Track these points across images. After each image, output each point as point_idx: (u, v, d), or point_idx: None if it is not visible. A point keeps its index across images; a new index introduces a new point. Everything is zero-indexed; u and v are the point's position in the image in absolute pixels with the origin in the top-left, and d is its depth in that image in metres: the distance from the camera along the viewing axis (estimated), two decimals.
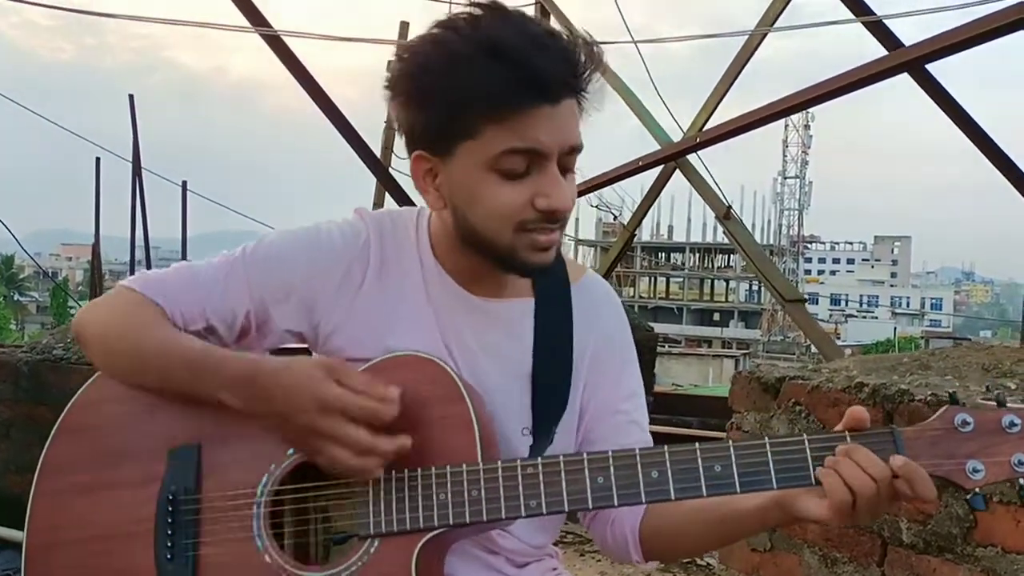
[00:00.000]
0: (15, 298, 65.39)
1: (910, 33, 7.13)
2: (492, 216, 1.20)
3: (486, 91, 1.14)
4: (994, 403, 1.11)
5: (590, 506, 1.15)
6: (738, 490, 1.12)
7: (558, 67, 1.15)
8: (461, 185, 1.21)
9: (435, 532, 1.16)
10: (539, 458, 1.17)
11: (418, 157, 1.23)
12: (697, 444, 1.14)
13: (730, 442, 1.13)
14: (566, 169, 1.21)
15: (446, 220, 1.27)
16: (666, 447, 1.15)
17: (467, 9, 1.19)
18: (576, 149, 1.21)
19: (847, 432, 1.12)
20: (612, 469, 1.14)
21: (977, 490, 1.09)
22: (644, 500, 1.14)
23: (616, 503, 1.14)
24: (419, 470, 1.17)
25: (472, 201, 1.20)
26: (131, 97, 8.98)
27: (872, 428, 1.12)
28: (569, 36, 1.19)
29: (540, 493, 1.15)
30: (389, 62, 1.25)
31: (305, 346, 1.37)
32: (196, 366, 1.22)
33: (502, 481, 1.15)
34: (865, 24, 7.40)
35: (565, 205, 1.20)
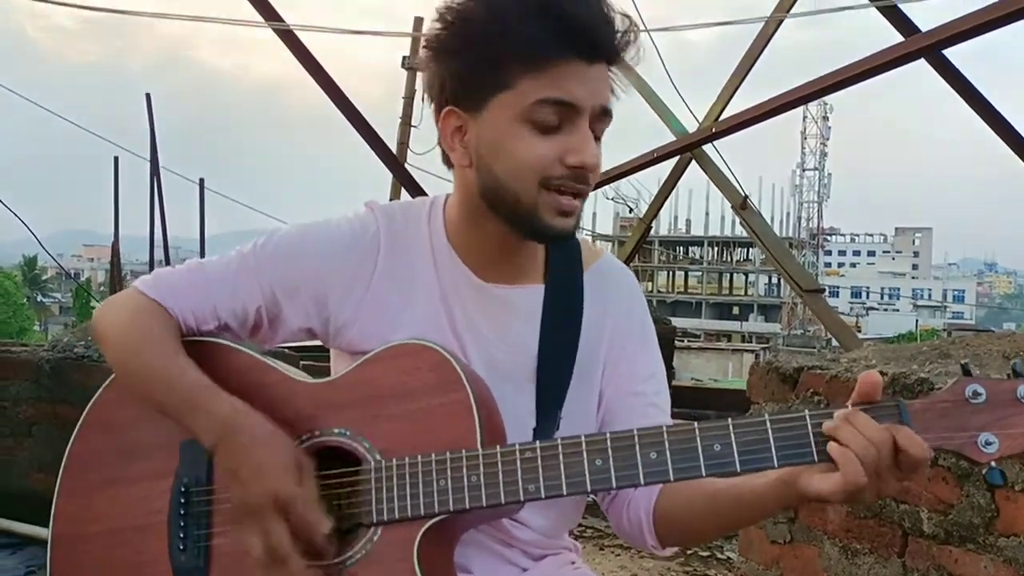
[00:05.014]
0: (38, 299, 66.03)
1: (927, 20, 7.06)
2: (520, 168, 1.19)
3: (525, 40, 1.14)
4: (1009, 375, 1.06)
5: (588, 489, 1.13)
6: (738, 469, 1.09)
7: (599, 27, 1.17)
8: (491, 139, 1.20)
9: (436, 519, 1.16)
10: (537, 442, 1.15)
11: (448, 113, 1.23)
12: (696, 424, 1.10)
13: (729, 420, 1.10)
14: (596, 135, 1.22)
15: (469, 183, 1.25)
16: (664, 426, 1.13)
17: None
18: (607, 113, 1.22)
19: (851, 406, 1.08)
20: (610, 451, 1.12)
21: (993, 464, 1.04)
22: (643, 482, 1.11)
23: (615, 485, 1.12)
24: (419, 457, 1.17)
25: (500, 153, 1.20)
26: (148, 96, 9.05)
27: (877, 402, 1.08)
28: (611, 4, 1.20)
29: (538, 477, 1.13)
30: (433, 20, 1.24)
31: (318, 343, 1.37)
32: (189, 401, 1.22)
33: (501, 466, 1.14)
34: (880, 9, 7.31)
35: (595, 162, 1.20)
